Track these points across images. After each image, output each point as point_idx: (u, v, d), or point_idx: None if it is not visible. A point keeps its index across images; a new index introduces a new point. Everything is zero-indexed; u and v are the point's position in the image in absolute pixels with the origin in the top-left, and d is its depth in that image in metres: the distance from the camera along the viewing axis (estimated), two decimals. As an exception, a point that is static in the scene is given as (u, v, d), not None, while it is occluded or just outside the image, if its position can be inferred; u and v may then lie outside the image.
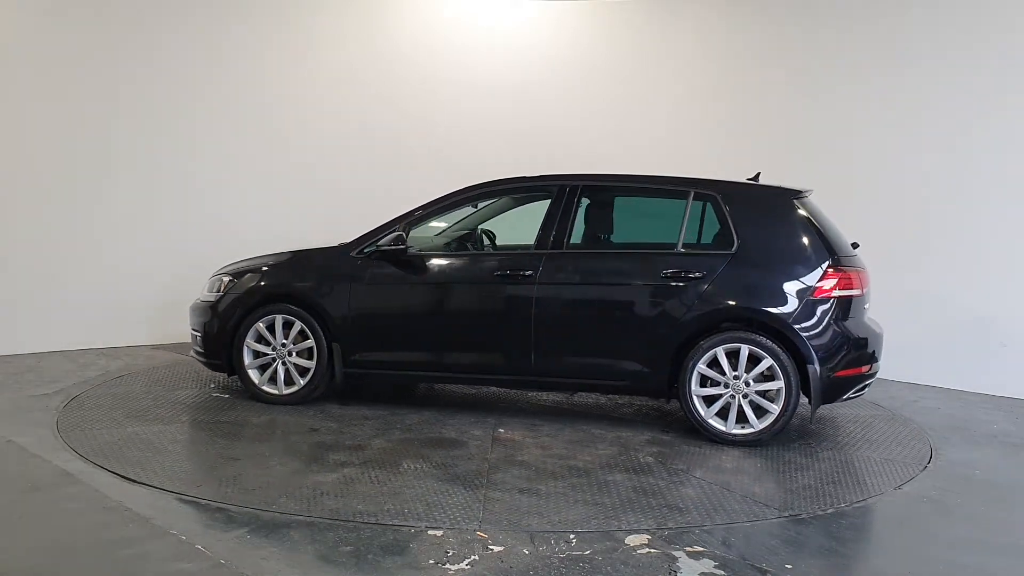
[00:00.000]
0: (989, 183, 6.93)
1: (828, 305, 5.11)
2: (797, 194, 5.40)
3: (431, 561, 3.41)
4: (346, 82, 8.70)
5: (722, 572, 3.40)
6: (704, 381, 5.19)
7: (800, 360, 5.08)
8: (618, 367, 5.35)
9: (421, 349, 5.64)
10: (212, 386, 6.25)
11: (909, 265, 7.20)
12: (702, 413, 5.21)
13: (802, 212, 5.31)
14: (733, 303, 5.16)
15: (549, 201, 5.61)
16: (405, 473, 4.47)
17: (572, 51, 9.29)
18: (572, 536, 3.71)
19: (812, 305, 5.10)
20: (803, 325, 5.07)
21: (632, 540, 3.68)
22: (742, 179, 5.62)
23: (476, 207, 6.09)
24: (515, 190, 5.92)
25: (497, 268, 5.50)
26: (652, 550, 3.58)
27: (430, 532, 3.70)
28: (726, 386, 5.15)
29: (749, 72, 8.33)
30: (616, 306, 5.36)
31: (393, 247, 5.58)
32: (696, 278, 5.19)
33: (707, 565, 3.46)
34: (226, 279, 5.98)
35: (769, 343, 5.08)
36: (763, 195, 5.46)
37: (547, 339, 5.38)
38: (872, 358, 5.32)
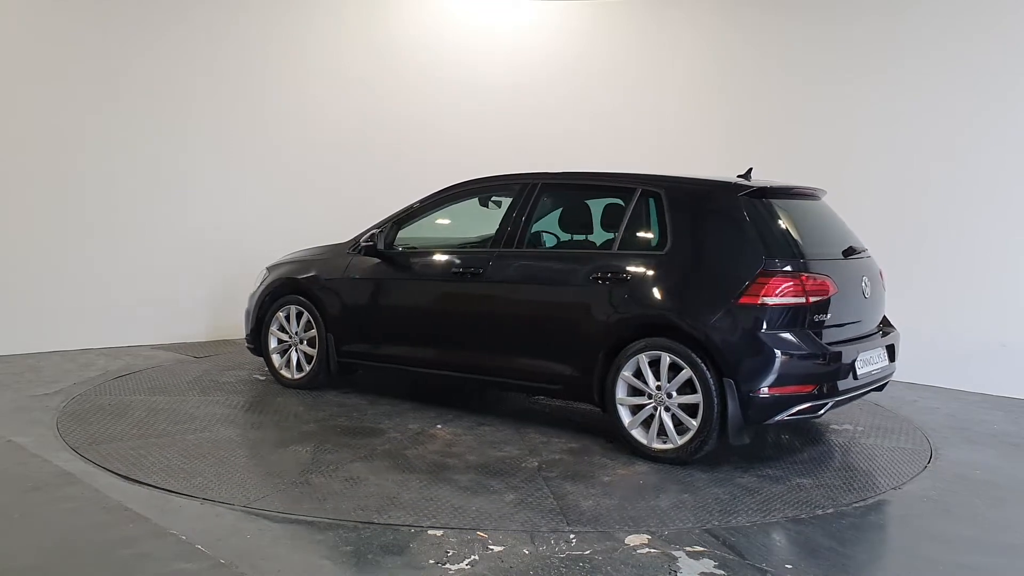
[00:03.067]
0: (990, 182, 6.93)
1: (756, 314, 4.54)
2: (743, 189, 4.91)
3: (431, 561, 3.41)
4: (346, 82, 8.70)
5: (722, 572, 3.40)
6: (632, 390, 4.85)
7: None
8: (553, 371, 5.14)
9: (393, 342, 5.86)
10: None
11: (909, 264, 7.19)
12: (625, 423, 4.86)
13: (743, 209, 4.80)
14: (654, 308, 4.82)
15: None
16: (289, 453, 4.79)
17: (572, 51, 9.29)
18: (572, 536, 3.71)
19: (736, 313, 4.58)
20: (723, 335, 4.58)
21: (632, 540, 3.68)
22: (730, 176, 5.34)
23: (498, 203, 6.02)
24: (482, 190, 5.87)
25: (455, 266, 5.56)
26: (652, 550, 3.58)
27: (430, 532, 3.70)
28: (649, 396, 4.78)
29: (750, 72, 8.32)
30: (550, 308, 5.20)
31: (367, 244, 5.93)
32: (623, 280, 4.90)
33: (707, 565, 3.46)
34: (264, 271, 6.55)
35: (689, 353, 4.63)
36: (705, 191, 5.06)
37: (491, 338, 5.40)
38: (825, 378, 4.64)
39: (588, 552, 3.54)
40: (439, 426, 5.41)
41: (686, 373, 4.64)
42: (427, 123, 9.00)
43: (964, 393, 6.85)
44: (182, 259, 7.91)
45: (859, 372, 4.82)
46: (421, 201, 5.96)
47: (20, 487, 4.14)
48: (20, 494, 4.05)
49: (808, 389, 4.59)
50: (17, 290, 7.14)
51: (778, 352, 4.52)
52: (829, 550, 3.68)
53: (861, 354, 4.87)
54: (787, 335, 4.57)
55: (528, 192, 5.51)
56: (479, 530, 3.73)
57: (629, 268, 4.92)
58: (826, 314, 4.71)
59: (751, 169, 5.37)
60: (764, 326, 4.54)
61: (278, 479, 4.33)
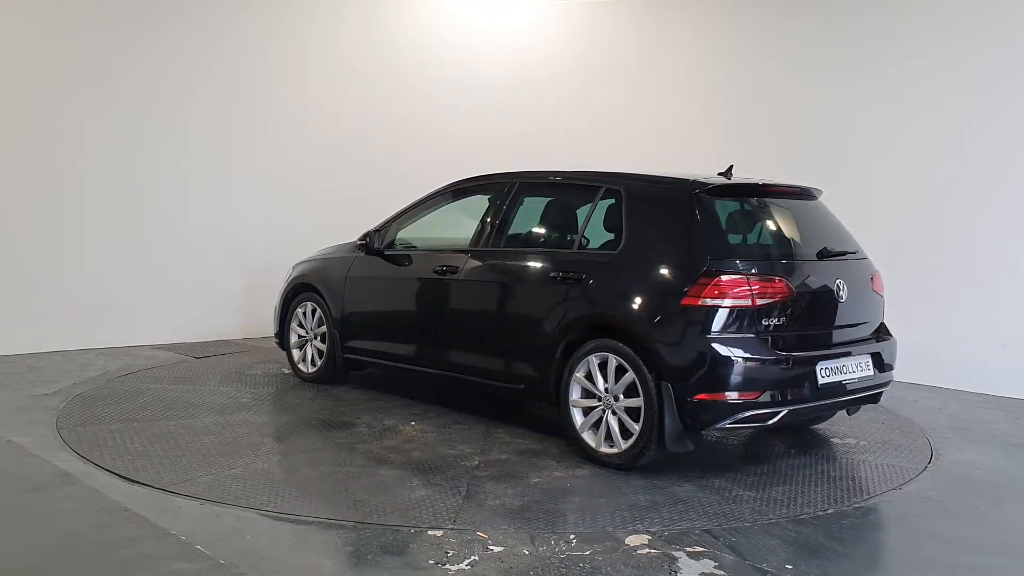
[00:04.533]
0: (991, 183, 6.92)
1: (696, 316, 4.37)
2: (699, 187, 4.72)
3: (431, 561, 3.41)
4: (346, 82, 8.70)
5: (722, 572, 3.40)
6: (585, 392, 4.76)
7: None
8: (516, 370, 5.13)
9: (383, 339, 6.01)
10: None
11: (910, 265, 7.19)
12: (576, 425, 4.78)
13: (695, 208, 4.62)
14: (602, 309, 4.74)
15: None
16: (254, 447, 4.87)
17: (572, 51, 9.29)
18: (572, 536, 3.71)
19: (677, 315, 4.43)
20: (661, 337, 4.44)
21: (632, 540, 3.68)
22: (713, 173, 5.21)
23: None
24: (468, 190, 5.88)
25: (436, 265, 5.62)
26: (652, 550, 3.58)
27: (430, 532, 3.70)
28: (599, 399, 4.69)
29: (750, 72, 8.33)
30: (514, 307, 5.20)
31: (361, 243, 6.14)
32: (578, 280, 4.83)
33: (707, 565, 3.45)
34: (291, 269, 6.77)
35: (633, 355, 4.51)
36: (659, 189, 4.93)
37: (463, 336, 5.47)
38: (771, 385, 4.40)
39: (588, 552, 3.54)
40: (412, 423, 5.47)
41: (629, 376, 4.53)
42: (427, 123, 9.00)
43: (964, 393, 6.85)
44: (182, 259, 7.91)
45: (821, 381, 4.53)
46: (417, 202, 6.07)
47: (20, 487, 4.14)
48: (20, 494, 4.05)
49: (751, 396, 4.37)
50: (17, 290, 7.15)
51: (717, 356, 4.33)
52: (829, 550, 3.68)
53: (824, 362, 4.58)
54: (728, 339, 4.37)
55: (505, 191, 5.54)
56: (478, 531, 3.74)
57: (584, 268, 4.85)
58: (779, 318, 4.49)
59: (732, 167, 5.22)
60: (704, 329, 4.37)
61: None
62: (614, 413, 4.63)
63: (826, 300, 4.76)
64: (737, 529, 3.87)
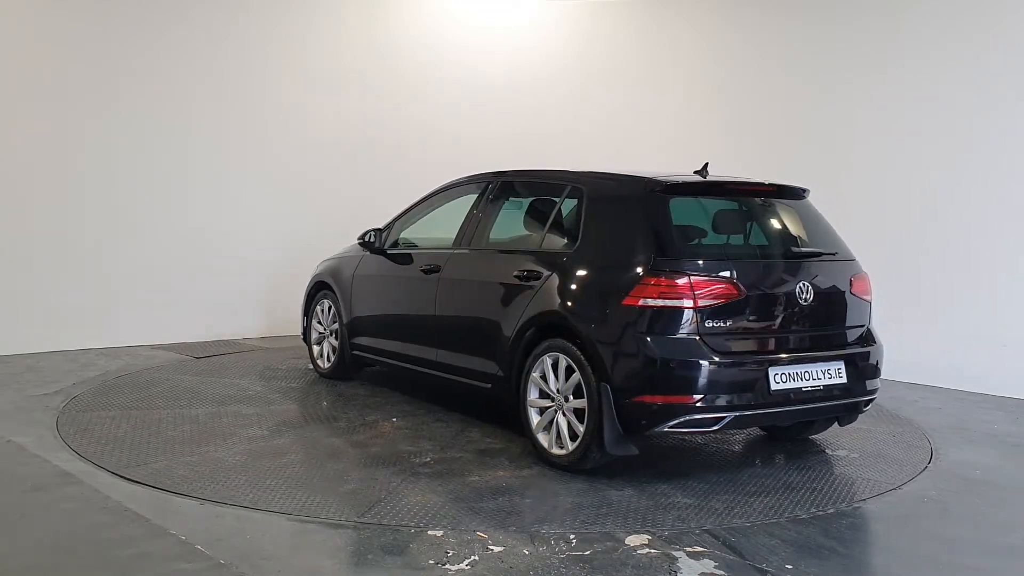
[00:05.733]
0: (991, 182, 6.92)
1: (635, 316, 4.29)
2: (654, 185, 4.62)
3: (431, 561, 3.41)
4: (346, 82, 8.70)
5: (722, 572, 3.40)
6: (543, 393, 4.70)
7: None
8: (485, 369, 5.14)
9: (378, 336, 6.15)
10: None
11: (909, 265, 7.19)
12: (532, 425, 4.73)
13: (647, 207, 4.54)
14: (553, 308, 4.68)
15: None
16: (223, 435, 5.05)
17: (572, 51, 9.29)
18: (572, 536, 3.71)
19: (619, 315, 4.34)
20: (602, 337, 4.37)
21: (632, 540, 3.68)
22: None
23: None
24: (458, 190, 5.91)
25: (423, 264, 5.71)
26: (652, 550, 3.58)
27: (430, 532, 3.70)
28: (552, 399, 4.64)
29: (750, 72, 8.33)
30: (483, 305, 5.20)
31: (360, 241, 6.30)
32: (538, 278, 4.81)
33: (707, 565, 3.45)
34: (316, 266, 6.95)
35: (579, 355, 4.45)
36: (614, 187, 4.83)
37: (442, 335, 5.52)
38: (713, 388, 4.24)
39: (588, 552, 3.54)
40: (394, 419, 5.56)
41: (576, 376, 4.48)
42: (427, 123, 9.00)
43: (964, 393, 6.85)
44: (182, 259, 7.91)
45: (774, 387, 4.32)
46: (419, 200, 6.18)
47: (20, 487, 4.14)
48: (20, 494, 4.06)
49: (688, 400, 4.21)
50: (17, 290, 7.15)
51: (652, 358, 4.22)
52: (829, 550, 3.68)
53: (779, 367, 4.37)
54: (665, 340, 4.25)
55: (485, 191, 5.58)
56: (478, 530, 3.74)
57: (544, 266, 4.83)
58: (725, 319, 4.33)
59: (707, 164, 5.11)
60: (642, 329, 4.27)
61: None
62: (564, 414, 4.57)
63: (785, 302, 4.52)
64: (737, 529, 3.86)
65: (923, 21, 7.32)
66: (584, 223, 4.77)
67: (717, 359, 4.25)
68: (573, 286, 4.66)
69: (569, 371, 4.54)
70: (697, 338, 4.28)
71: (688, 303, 4.26)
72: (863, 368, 4.72)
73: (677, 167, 5.26)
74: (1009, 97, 6.83)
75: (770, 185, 4.96)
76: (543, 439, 4.69)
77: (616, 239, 4.62)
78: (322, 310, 6.68)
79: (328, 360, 6.61)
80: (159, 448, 4.75)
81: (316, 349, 6.76)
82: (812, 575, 3.42)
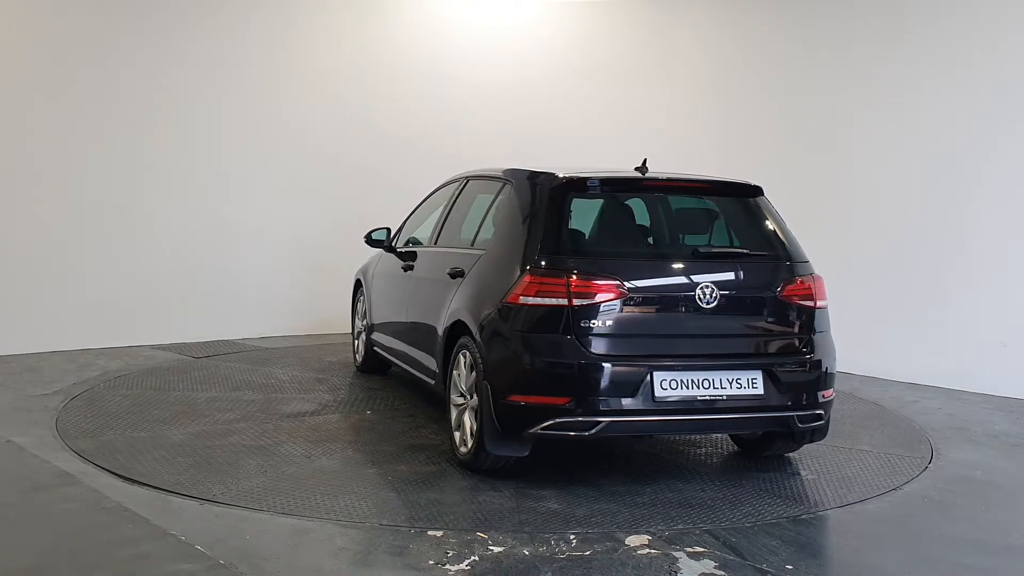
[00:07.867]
0: (991, 183, 6.92)
1: (513, 314, 4.24)
2: (554, 181, 4.52)
3: (431, 561, 3.41)
4: (345, 82, 8.69)
5: (722, 572, 3.39)
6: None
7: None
8: (428, 364, 5.25)
9: (383, 332, 6.29)
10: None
11: (910, 264, 7.19)
12: (451, 421, 4.70)
13: (546, 203, 4.44)
14: (461, 306, 4.70)
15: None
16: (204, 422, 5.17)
17: (573, 50, 9.29)
18: (572, 536, 3.71)
19: (500, 313, 4.31)
20: (485, 335, 4.36)
21: (632, 540, 3.68)
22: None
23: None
24: (447, 188, 6.01)
25: (404, 263, 5.89)
26: (652, 551, 3.58)
27: (430, 532, 3.70)
28: (464, 396, 4.61)
29: (750, 72, 8.32)
30: (427, 303, 5.31)
31: (366, 239, 6.39)
32: (460, 276, 4.83)
33: (708, 566, 3.45)
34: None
35: (476, 353, 4.42)
36: (527, 184, 4.68)
37: (409, 331, 5.71)
38: (587, 391, 4.08)
39: (588, 553, 3.53)
40: (368, 411, 5.74)
41: (473, 375, 4.46)
42: (427, 123, 8.99)
43: (965, 393, 6.84)
44: (182, 259, 7.90)
45: (659, 394, 4.10)
46: (423, 200, 6.36)
47: (20, 487, 4.14)
48: (20, 494, 4.06)
49: (560, 401, 4.08)
50: (17, 290, 7.14)
51: (524, 357, 4.16)
52: (829, 550, 3.68)
53: (665, 372, 4.14)
54: (538, 339, 4.17)
55: (457, 189, 5.68)
56: (478, 530, 3.74)
57: (465, 264, 4.85)
58: (604, 320, 4.15)
59: (646, 160, 4.83)
60: (518, 328, 4.22)
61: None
62: (469, 413, 4.53)
63: (681, 304, 4.29)
64: (737, 529, 3.86)
65: (923, 23, 7.31)
66: (497, 220, 4.85)
67: (589, 361, 4.10)
68: (477, 284, 4.67)
69: (472, 369, 4.50)
70: (570, 338, 4.13)
71: (563, 301, 4.14)
72: (791, 380, 4.35)
73: (627, 163, 5.00)
74: (1010, 98, 6.83)
75: (707, 182, 4.79)
76: (457, 436, 4.66)
77: (514, 236, 4.53)
78: (358, 308, 7.00)
79: (360, 356, 6.92)
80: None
81: (355, 344, 7.09)
82: (812, 575, 3.42)
